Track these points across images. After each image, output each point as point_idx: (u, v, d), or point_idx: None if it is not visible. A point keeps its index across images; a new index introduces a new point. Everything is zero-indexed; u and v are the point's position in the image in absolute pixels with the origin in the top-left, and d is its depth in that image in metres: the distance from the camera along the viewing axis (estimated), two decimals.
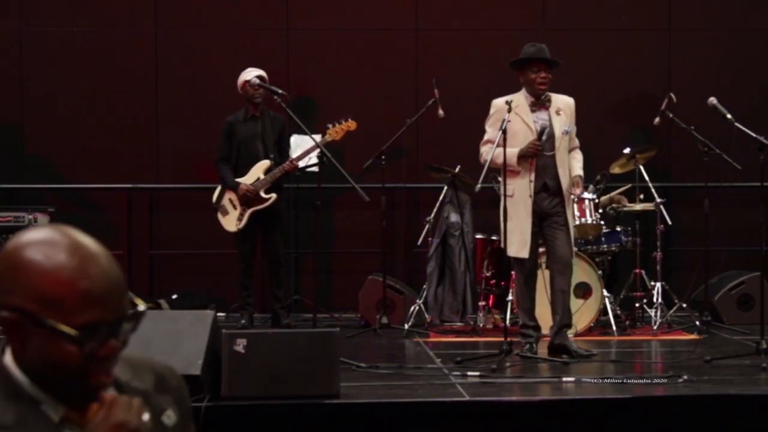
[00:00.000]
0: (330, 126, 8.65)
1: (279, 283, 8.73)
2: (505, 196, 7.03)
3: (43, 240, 1.79)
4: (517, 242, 7.09)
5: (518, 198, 7.12)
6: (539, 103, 7.20)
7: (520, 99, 7.21)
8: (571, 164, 7.23)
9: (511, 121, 7.05)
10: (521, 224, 7.09)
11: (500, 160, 7.05)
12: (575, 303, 7.90)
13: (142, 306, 1.86)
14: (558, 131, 7.17)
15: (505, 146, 6.97)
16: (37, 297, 1.74)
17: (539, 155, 7.12)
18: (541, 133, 7.13)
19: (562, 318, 7.18)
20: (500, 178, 7.22)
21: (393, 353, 7.61)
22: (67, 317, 1.75)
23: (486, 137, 7.22)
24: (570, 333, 7.39)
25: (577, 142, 7.34)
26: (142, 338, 6.21)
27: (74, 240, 1.82)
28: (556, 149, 7.14)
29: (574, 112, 7.31)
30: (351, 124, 8.66)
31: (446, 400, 5.73)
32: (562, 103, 7.27)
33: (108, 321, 1.79)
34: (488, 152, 7.10)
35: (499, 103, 7.22)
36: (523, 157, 7.09)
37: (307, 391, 5.51)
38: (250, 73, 8.59)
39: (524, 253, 7.10)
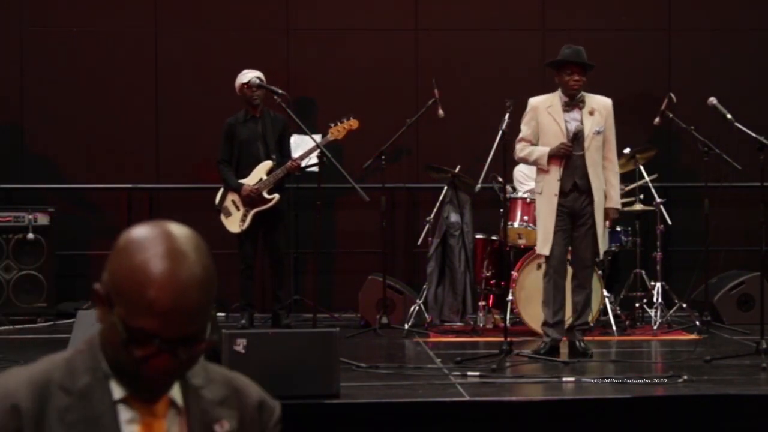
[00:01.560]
0: (332, 125, 8.64)
1: (280, 284, 8.72)
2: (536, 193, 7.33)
3: (150, 236, 1.82)
4: (541, 239, 7.28)
5: (545, 195, 7.26)
6: (573, 103, 7.28)
7: (554, 99, 7.33)
8: (608, 191, 7.28)
9: (544, 121, 7.26)
10: (545, 222, 7.24)
11: (532, 158, 7.30)
12: None
13: (214, 335, 1.86)
14: (588, 131, 7.22)
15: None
16: (116, 285, 1.81)
17: (570, 155, 7.19)
18: (574, 137, 7.19)
19: (578, 316, 7.30)
20: (500, 178, 7.26)
21: (393, 353, 7.61)
22: (129, 316, 1.79)
23: (520, 135, 7.37)
24: None
25: (613, 153, 7.37)
26: None
27: (174, 248, 1.81)
28: (585, 149, 7.21)
29: (611, 113, 7.37)
30: (353, 123, 8.65)
31: (446, 400, 5.73)
32: (597, 103, 7.34)
33: (164, 336, 1.79)
34: (521, 150, 7.32)
35: (533, 102, 7.39)
36: (553, 157, 7.18)
37: (307, 391, 5.51)
38: (247, 75, 8.55)
39: (545, 250, 7.22)
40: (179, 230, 1.85)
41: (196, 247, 1.83)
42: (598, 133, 7.26)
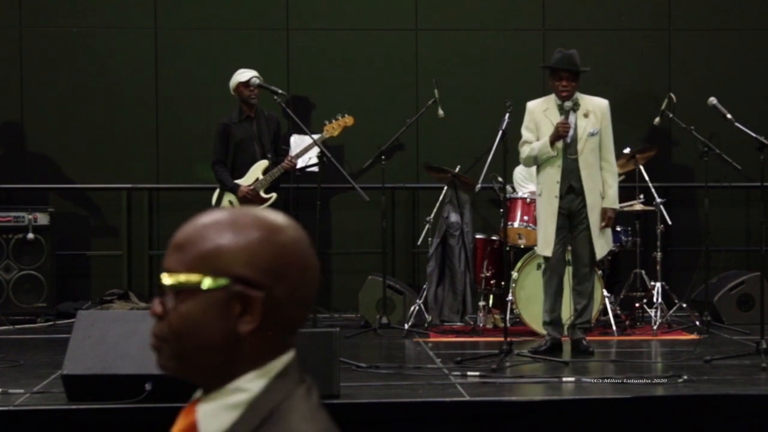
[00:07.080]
0: (327, 122, 8.63)
1: None
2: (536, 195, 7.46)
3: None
4: (541, 241, 7.32)
5: (545, 197, 7.28)
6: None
7: (551, 102, 7.36)
8: (606, 191, 7.27)
9: (542, 124, 7.27)
10: (546, 223, 7.27)
11: (536, 152, 7.27)
12: None
13: (167, 279, 1.61)
14: (582, 133, 7.22)
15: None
16: None
17: (568, 132, 7.17)
18: (567, 115, 7.21)
19: (579, 315, 7.37)
20: (500, 178, 7.28)
21: (393, 353, 7.61)
22: None
23: (523, 139, 7.39)
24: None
25: (611, 154, 7.35)
26: (142, 338, 6.16)
27: (236, 209, 1.67)
28: (579, 152, 7.22)
29: (607, 114, 7.35)
30: (348, 120, 8.64)
31: (446, 400, 5.73)
32: (593, 105, 7.34)
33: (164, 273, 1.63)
34: (524, 151, 7.33)
35: (531, 105, 7.41)
36: (556, 140, 7.19)
37: None
38: (245, 74, 8.52)
39: (547, 252, 7.28)
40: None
41: (254, 214, 1.64)
42: (592, 135, 7.25)
